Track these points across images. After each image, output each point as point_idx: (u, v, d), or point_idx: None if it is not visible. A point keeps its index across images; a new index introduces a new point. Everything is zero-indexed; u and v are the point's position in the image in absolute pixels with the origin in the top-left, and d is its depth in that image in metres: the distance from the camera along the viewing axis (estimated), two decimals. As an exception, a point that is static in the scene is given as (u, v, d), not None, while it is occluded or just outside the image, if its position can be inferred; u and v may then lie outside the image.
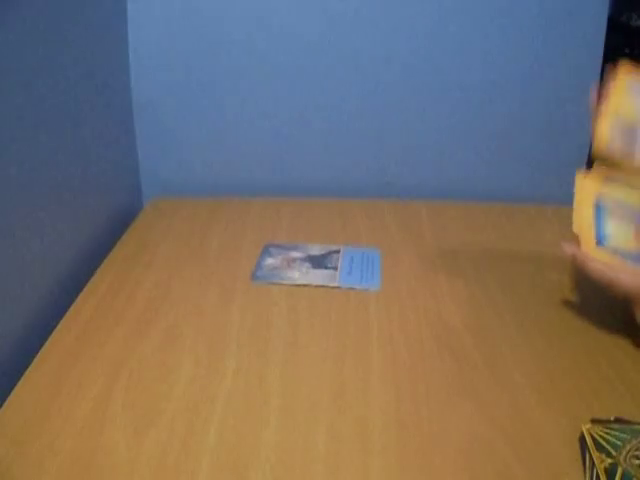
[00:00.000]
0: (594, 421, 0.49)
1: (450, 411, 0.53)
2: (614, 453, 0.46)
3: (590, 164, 1.05)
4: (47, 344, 0.62)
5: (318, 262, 0.79)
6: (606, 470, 0.44)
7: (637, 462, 0.45)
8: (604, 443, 0.47)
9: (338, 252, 0.81)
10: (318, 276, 0.75)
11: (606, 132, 0.63)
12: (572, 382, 0.57)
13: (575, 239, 0.63)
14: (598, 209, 0.65)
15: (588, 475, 0.45)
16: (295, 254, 0.81)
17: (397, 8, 0.95)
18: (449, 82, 0.98)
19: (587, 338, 0.64)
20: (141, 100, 0.99)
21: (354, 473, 0.47)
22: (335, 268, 0.77)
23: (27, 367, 0.58)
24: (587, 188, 0.66)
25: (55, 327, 0.65)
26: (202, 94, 0.99)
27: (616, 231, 0.63)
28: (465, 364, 0.60)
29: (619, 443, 0.47)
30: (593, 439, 0.47)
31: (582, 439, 0.48)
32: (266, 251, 0.82)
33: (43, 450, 0.48)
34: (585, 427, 0.49)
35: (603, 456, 0.46)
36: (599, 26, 0.95)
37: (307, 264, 0.78)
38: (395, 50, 0.97)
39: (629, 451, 0.46)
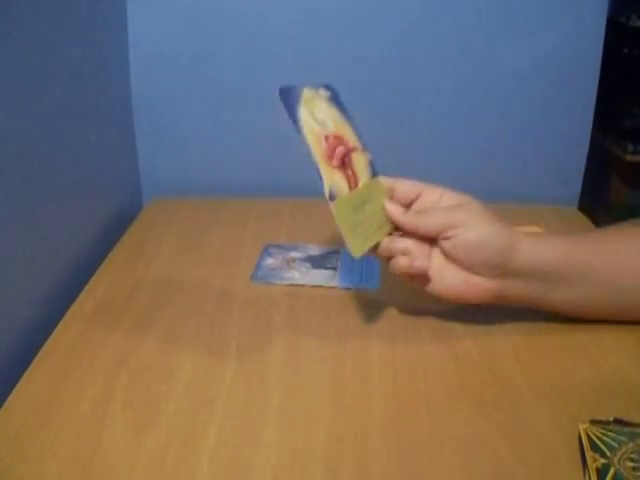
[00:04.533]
0: (593, 421, 0.49)
1: (449, 411, 0.53)
2: (609, 454, 0.46)
3: (588, 165, 1.06)
4: (47, 344, 0.62)
5: (318, 262, 0.79)
6: (598, 470, 0.44)
7: (631, 464, 0.45)
8: (600, 443, 0.47)
9: (338, 252, 0.81)
10: (318, 276, 0.75)
11: None
12: (572, 382, 0.57)
13: None
14: None
15: (587, 475, 0.45)
16: (295, 254, 0.81)
17: (399, 5, 0.95)
18: (448, 82, 0.98)
19: (588, 337, 0.64)
20: (141, 100, 0.99)
21: (354, 473, 0.47)
22: (335, 268, 0.77)
23: (27, 367, 0.58)
24: None
25: (55, 327, 0.65)
26: (202, 94, 0.99)
27: None
28: (465, 364, 0.60)
29: (615, 445, 0.47)
30: (589, 439, 0.47)
31: (580, 439, 0.48)
32: (266, 251, 0.82)
33: (43, 450, 0.49)
34: (582, 426, 0.49)
35: (597, 456, 0.46)
36: (599, 26, 0.95)
37: (307, 264, 0.78)
38: (396, 49, 0.97)
39: (624, 453, 0.46)
